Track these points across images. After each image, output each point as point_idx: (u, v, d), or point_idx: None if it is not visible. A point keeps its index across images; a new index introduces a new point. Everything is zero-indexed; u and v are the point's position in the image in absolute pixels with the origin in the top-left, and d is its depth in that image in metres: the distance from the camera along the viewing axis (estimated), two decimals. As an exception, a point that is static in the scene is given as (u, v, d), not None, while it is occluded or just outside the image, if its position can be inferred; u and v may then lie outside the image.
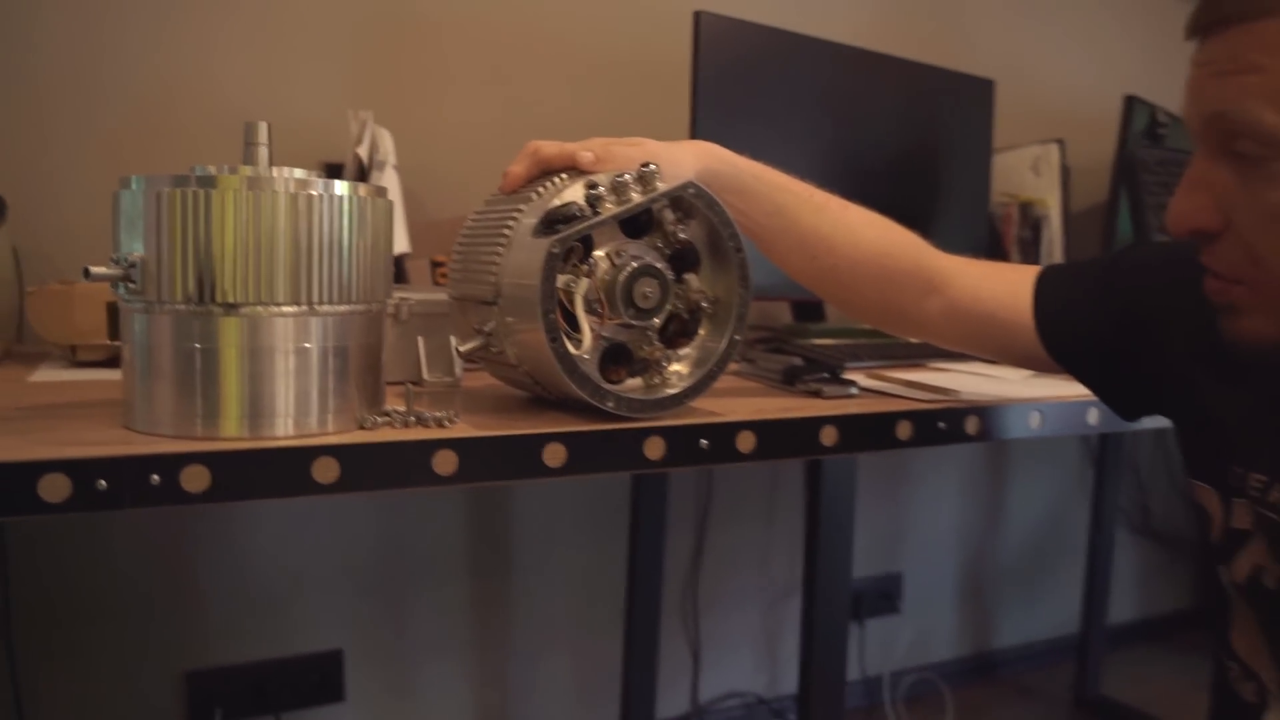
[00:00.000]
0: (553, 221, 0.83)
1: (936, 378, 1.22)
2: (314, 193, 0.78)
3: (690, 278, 0.91)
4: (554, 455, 0.82)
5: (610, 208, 0.85)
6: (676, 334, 0.93)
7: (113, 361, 1.16)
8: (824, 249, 0.98)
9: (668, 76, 1.65)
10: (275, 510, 1.56)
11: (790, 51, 1.51)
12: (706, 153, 0.96)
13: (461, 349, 0.88)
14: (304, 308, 0.78)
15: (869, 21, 1.99)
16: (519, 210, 0.89)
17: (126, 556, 1.48)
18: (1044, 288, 0.94)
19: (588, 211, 0.85)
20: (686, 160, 0.94)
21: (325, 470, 0.75)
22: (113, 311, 1.12)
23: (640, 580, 1.74)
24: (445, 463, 0.78)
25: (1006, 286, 0.96)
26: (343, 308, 0.80)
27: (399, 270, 1.37)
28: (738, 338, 0.92)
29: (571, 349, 0.84)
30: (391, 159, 1.36)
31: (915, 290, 0.98)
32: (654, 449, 0.86)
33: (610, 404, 0.86)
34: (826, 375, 1.09)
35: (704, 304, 0.92)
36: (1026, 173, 1.95)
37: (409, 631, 1.68)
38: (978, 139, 1.75)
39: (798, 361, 1.14)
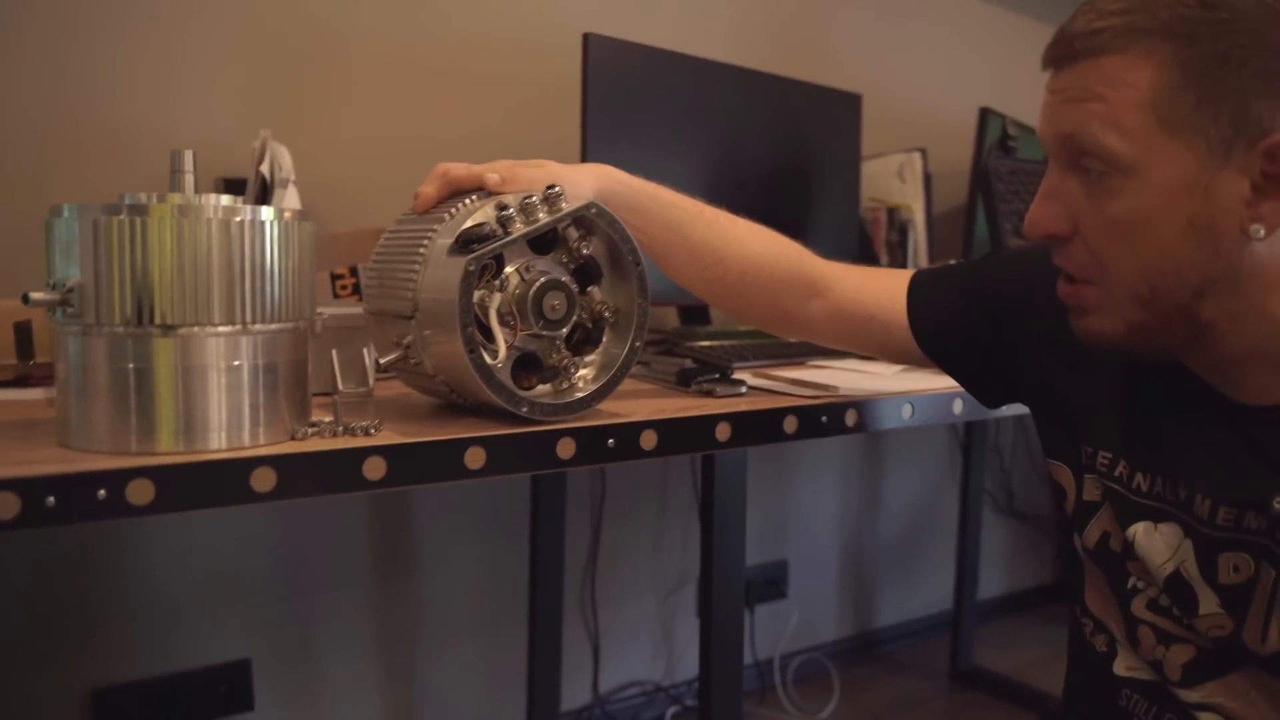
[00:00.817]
0: (467, 241, 0.90)
1: (817, 375, 1.32)
2: (242, 218, 0.83)
3: (593, 290, 0.99)
4: (475, 458, 0.89)
5: (520, 227, 0.92)
6: (582, 342, 1.00)
7: (20, 381, 1.18)
8: (714, 260, 1.07)
9: (559, 95, 1.73)
10: (173, 522, 1.57)
11: (672, 70, 1.60)
12: (604, 175, 1.04)
13: (382, 361, 0.94)
14: (236, 327, 0.83)
15: (745, 41, 2.10)
16: (433, 230, 0.95)
17: (23, 574, 1.48)
18: (916, 290, 1.04)
19: (499, 231, 0.91)
20: (586, 182, 1.02)
21: (263, 480, 0.80)
22: (21, 332, 1.14)
23: (541, 575, 1.81)
24: (375, 468, 0.84)
25: (883, 290, 1.06)
26: (272, 326, 0.85)
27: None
28: (638, 344, 1.00)
29: (488, 359, 0.90)
30: (292, 176, 1.40)
31: (799, 295, 1.07)
32: (565, 449, 0.94)
33: (524, 409, 0.93)
34: (718, 376, 1.18)
35: (606, 314, 1.00)
36: (893, 179, 2.08)
37: (315, 636, 1.71)
38: (847, 149, 1.87)
39: (690, 364, 1.23)
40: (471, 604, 1.86)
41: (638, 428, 0.98)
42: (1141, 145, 0.70)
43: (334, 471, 0.83)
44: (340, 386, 1.11)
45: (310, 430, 0.88)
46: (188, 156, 0.86)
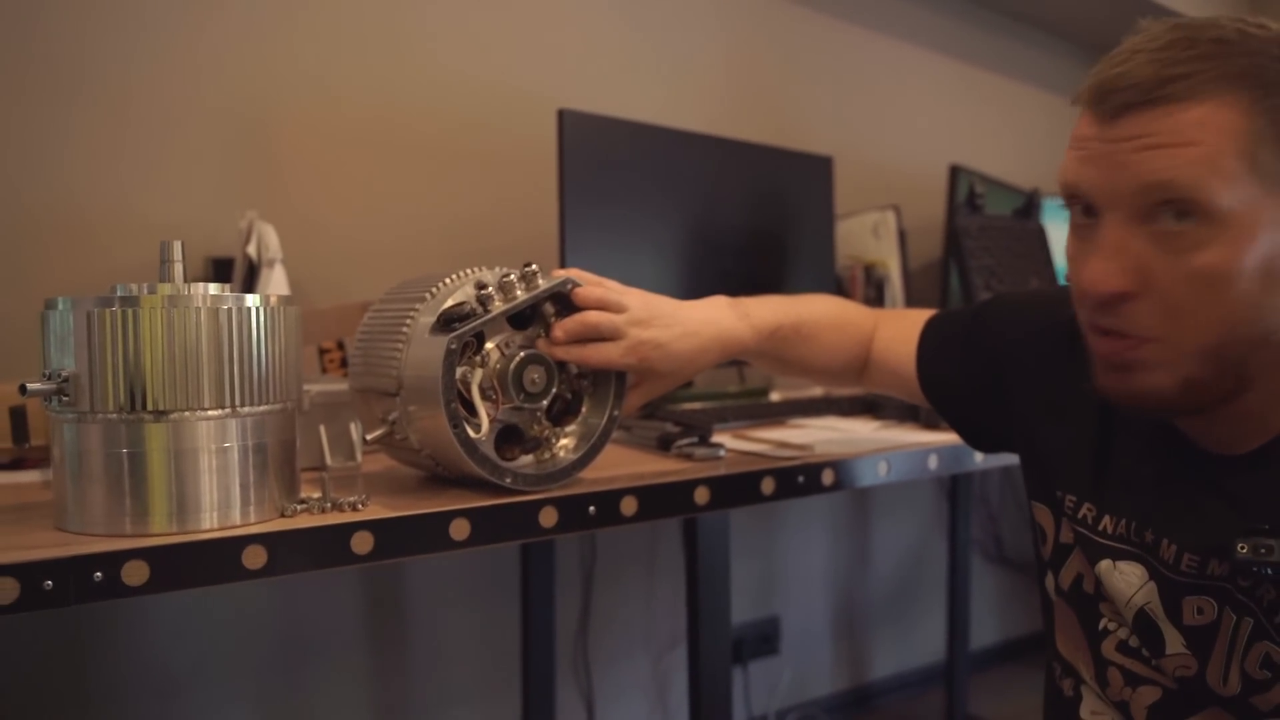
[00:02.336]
0: (449, 320, 0.94)
1: (795, 434, 1.35)
2: (229, 306, 0.86)
3: (571, 365, 1.02)
4: (460, 529, 0.91)
5: (499, 305, 0.96)
6: (562, 413, 1.04)
7: (16, 464, 1.21)
8: (801, 369, 1.15)
9: (537, 167, 1.78)
10: (168, 598, 1.59)
11: (647, 142, 1.65)
12: (724, 347, 1.07)
13: (369, 437, 0.97)
14: (226, 410, 0.86)
15: (717, 109, 2.16)
16: (415, 309, 0.99)
17: (21, 655, 1.49)
18: (925, 338, 1.08)
19: (479, 309, 0.95)
20: (703, 358, 1.06)
21: (254, 557, 0.83)
22: (16, 416, 1.17)
23: (534, 639, 1.82)
24: (363, 543, 0.87)
25: (902, 340, 1.10)
26: (261, 408, 0.88)
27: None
28: (616, 413, 1.03)
29: (471, 433, 0.94)
30: (279, 255, 1.44)
31: (859, 365, 1.14)
32: (548, 518, 0.97)
33: (508, 480, 0.96)
34: (696, 439, 1.21)
35: (585, 384, 1.04)
36: (868, 237, 2.13)
37: (313, 707, 1.72)
38: (821, 209, 1.92)
39: (671, 428, 1.26)
40: (466, 669, 1.88)
41: (618, 495, 1.01)
42: (1239, 192, 0.68)
43: (323, 547, 0.86)
44: (329, 461, 1.14)
45: (299, 507, 0.91)
46: (176, 247, 0.89)
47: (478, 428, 0.95)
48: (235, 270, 1.42)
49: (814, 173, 1.90)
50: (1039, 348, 0.90)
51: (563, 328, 0.99)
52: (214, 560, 0.82)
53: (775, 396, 1.79)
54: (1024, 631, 2.91)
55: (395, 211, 1.77)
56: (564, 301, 1.01)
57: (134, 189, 1.54)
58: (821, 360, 1.13)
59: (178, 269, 0.89)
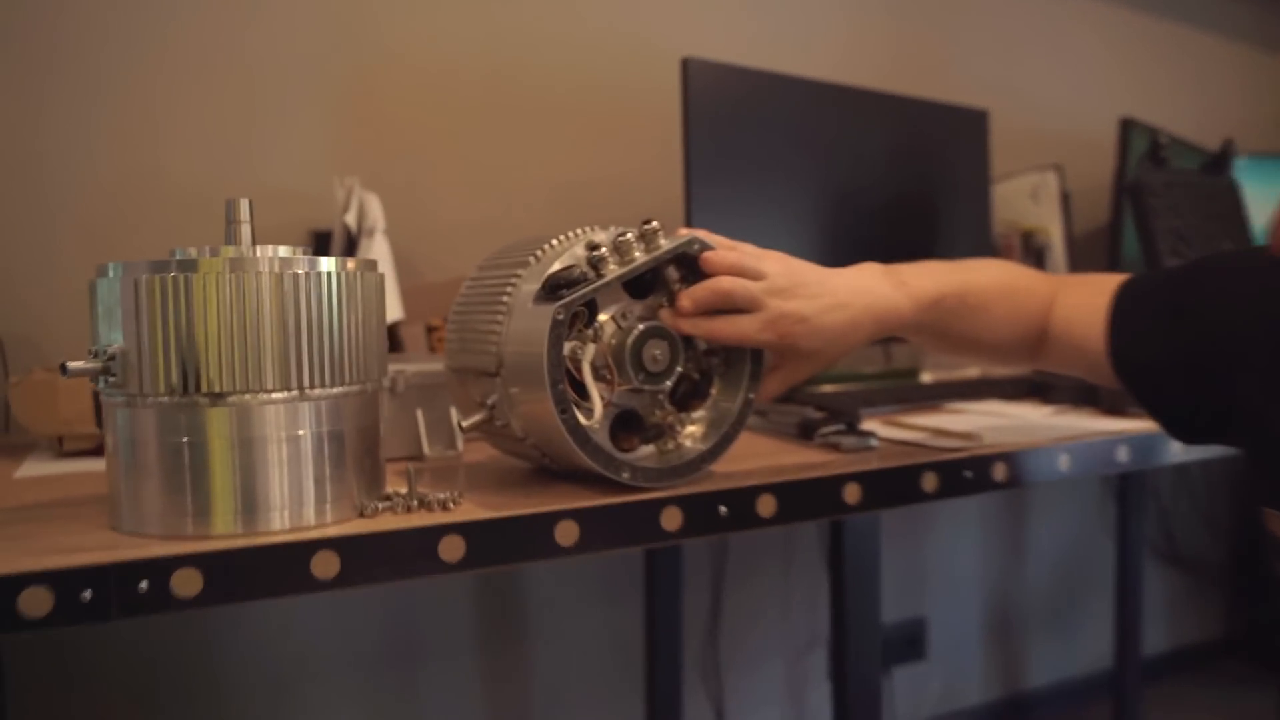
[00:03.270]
0: (555, 286, 0.79)
1: (956, 421, 1.17)
2: (299, 271, 0.74)
3: (700, 340, 0.87)
4: (566, 533, 0.77)
5: (614, 269, 0.81)
6: (688, 396, 0.89)
7: (100, 450, 1.12)
8: (967, 346, 0.99)
9: (658, 123, 1.62)
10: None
11: (779, 93, 1.48)
12: (879, 321, 0.91)
13: (464, 423, 0.84)
14: (294, 393, 0.73)
15: (859, 59, 1.97)
16: (517, 275, 0.85)
17: (116, 656, 1.42)
18: (1119, 305, 0.89)
19: (591, 274, 0.81)
20: (854, 334, 0.90)
21: (325, 565, 0.70)
22: (98, 400, 1.07)
23: (659, 640, 1.69)
24: (452, 549, 0.74)
25: (1089, 310, 0.92)
26: (335, 390, 0.76)
27: (393, 339, 1.33)
28: (752, 396, 0.88)
29: (582, 419, 0.79)
30: (381, 224, 1.33)
31: (1034, 339, 0.98)
32: (671, 520, 0.82)
33: (625, 475, 0.81)
34: (843, 426, 1.04)
35: (715, 363, 0.88)
36: (1025, 201, 1.92)
37: (423, 710, 1.62)
38: (974, 170, 1.72)
39: (813, 413, 1.10)
40: (585, 672, 1.75)
41: (753, 493, 0.86)
42: None
43: (405, 554, 0.73)
44: (426, 450, 1.02)
45: (382, 505, 0.78)
46: (244, 205, 0.77)
47: (590, 413, 0.81)
48: (333, 242, 1.31)
49: (967, 129, 1.70)
50: (1274, 319, 0.70)
51: (690, 296, 0.84)
52: (277, 569, 0.70)
53: (926, 378, 1.60)
54: (1197, 639, 2.64)
55: (506, 178, 1.64)
56: (691, 266, 0.85)
57: (228, 158, 1.45)
58: (991, 335, 0.95)
59: (245, 230, 0.77)
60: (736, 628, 1.90)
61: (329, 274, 0.75)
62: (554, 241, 0.86)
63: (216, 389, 0.71)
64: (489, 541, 0.75)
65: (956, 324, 0.94)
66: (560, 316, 0.77)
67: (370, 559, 0.72)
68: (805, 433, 1.06)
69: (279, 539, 0.71)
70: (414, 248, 1.52)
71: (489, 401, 0.84)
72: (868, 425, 1.07)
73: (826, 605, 1.90)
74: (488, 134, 1.63)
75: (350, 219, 1.28)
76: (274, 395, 0.73)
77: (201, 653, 1.47)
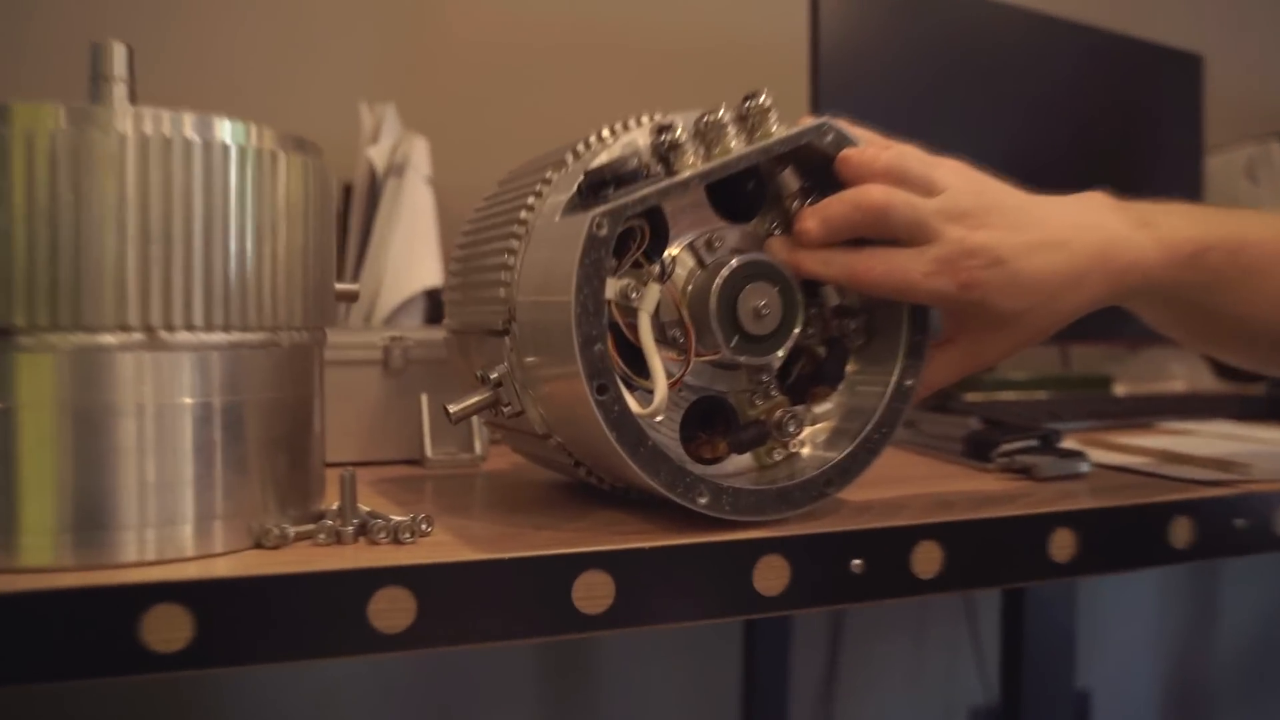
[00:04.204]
0: (598, 184, 0.49)
1: (1187, 444, 0.82)
2: (187, 135, 0.45)
3: (829, 289, 0.55)
4: (592, 593, 0.46)
5: (693, 162, 0.50)
6: (808, 379, 0.57)
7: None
8: (1234, 327, 0.65)
9: (765, 62, 1.30)
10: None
11: (932, 14, 1.14)
12: (1112, 273, 0.57)
13: (451, 410, 0.53)
14: (160, 334, 0.44)
15: None
16: (544, 182, 0.55)
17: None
18: None
19: (656, 169, 0.50)
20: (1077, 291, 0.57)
21: (166, 628, 0.41)
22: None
23: (759, 704, 1.37)
24: (391, 611, 0.43)
25: None
26: (230, 336, 0.46)
27: (434, 308, 1.04)
28: (910, 383, 0.55)
29: (635, 406, 0.48)
30: (423, 169, 1.04)
31: None
32: (772, 576, 0.50)
33: (703, 499, 0.50)
34: (1036, 443, 0.71)
35: (852, 328, 0.56)
36: (1239, 180, 1.54)
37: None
38: (1184, 129, 1.35)
39: (976, 424, 0.76)
40: (667, 736, 1.44)
41: (907, 538, 0.53)
42: None
43: (309, 617, 0.43)
44: (429, 452, 0.72)
45: (297, 530, 0.48)
46: (118, 54, 0.48)
47: (648, 398, 0.50)
48: (354, 188, 1.02)
49: (1174, 75, 1.34)
50: None
51: (820, 215, 0.52)
52: (82, 635, 0.40)
53: (1119, 390, 1.24)
54: None
55: (581, 129, 1.34)
56: (821, 171, 0.54)
57: (252, 94, 1.18)
58: (1275, 313, 0.61)
59: (118, 92, 0.48)
60: (856, 693, 1.56)
61: (228, 148, 0.46)
62: (605, 132, 0.56)
63: (26, 321, 0.42)
64: (455, 602, 0.44)
65: (1224, 292, 0.60)
66: (602, 231, 0.47)
67: (249, 622, 0.42)
68: (976, 450, 0.73)
69: (124, 577, 0.42)
70: (466, 209, 1.23)
71: (493, 375, 0.53)
72: (1070, 444, 0.73)
73: (967, 674, 1.55)
74: (557, 81, 1.34)
75: (377, 153, 1.00)
76: (133, 335, 0.44)
77: (197, 699, 1.20)
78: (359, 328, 0.92)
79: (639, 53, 1.38)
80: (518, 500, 0.60)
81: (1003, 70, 1.19)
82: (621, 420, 0.47)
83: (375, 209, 0.98)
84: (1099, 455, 0.75)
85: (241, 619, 0.42)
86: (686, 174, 0.49)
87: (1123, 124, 1.29)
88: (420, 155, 1.05)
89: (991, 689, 1.57)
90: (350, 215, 1.02)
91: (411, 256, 1.01)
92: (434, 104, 1.23)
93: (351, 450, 0.72)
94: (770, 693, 1.38)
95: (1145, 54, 1.31)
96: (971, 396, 1.06)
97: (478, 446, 0.73)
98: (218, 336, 0.46)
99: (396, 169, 0.99)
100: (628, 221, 0.48)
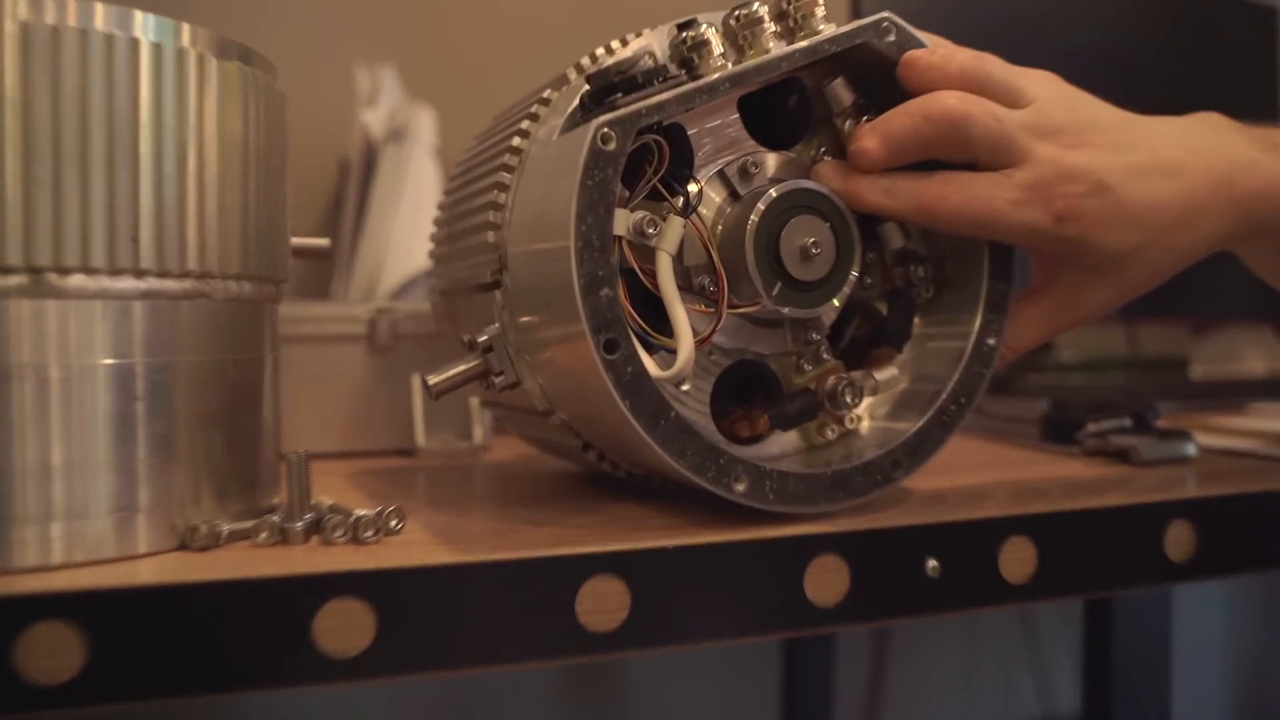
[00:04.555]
0: (603, 92, 0.39)
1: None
2: (86, 26, 0.35)
3: (890, 227, 0.45)
4: (602, 605, 0.36)
5: (721, 64, 0.40)
6: (866, 340, 0.47)
7: None
8: None
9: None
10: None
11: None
12: (1239, 204, 0.46)
13: (430, 381, 0.44)
14: (50, 278, 0.35)
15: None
16: (541, 103, 0.45)
17: None
18: None
19: (675, 72, 0.40)
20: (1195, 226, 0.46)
21: (49, 653, 0.31)
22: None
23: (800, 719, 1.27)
24: (339, 632, 0.34)
25: None
26: (142, 283, 0.37)
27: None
28: (992, 342, 0.45)
29: (654, 368, 0.38)
30: (427, 138, 0.95)
31: None
32: (825, 582, 0.40)
33: (740, 486, 0.40)
34: (1128, 422, 0.60)
35: (920, 275, 0.46)
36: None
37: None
38: (1256, 89, 1.24)
39: (1049, 406, 0.66)
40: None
41: (992, 533, 0.43)
42: None
43: (240, 638, 0.33)
44: (421, 440, 0.62)
45: (232, 528, 0.39)
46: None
47: (669, 359, 0.40)
48: (352, 159, 0.93)
49: (1247, 30, 1.23)
50: None
51: (881, 132, 0.42)
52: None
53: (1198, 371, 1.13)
54: None
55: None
56: (878, 89, 0.44)
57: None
58: None
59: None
60: (903, 712, 1.45)
61: (137, 43, 0.36)
62: (615, 44, 0.46)
63: None
64: (424, 618, 0.34)
65: None
66: (609, 145, 0.37)
67: (155, 643, 0.32)
68: (1058, 431, 0.62)
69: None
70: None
71: (480, 339, 0.43)
72: (1170, 424, 0.63)
73: (1024, 692, 1.44)
74: (588, 47, 1.24)
75: (373, 118, 0.91)
76: (14, 278, 0.35)
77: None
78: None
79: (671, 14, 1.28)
80: (518, 493, 0.51)
81: (1064, 22, 1.08)
82: (636, 385, 0.37)
83: (372, 179, 0.89)
84: (1208, 440, 0.64)
85: (147, 641, 0.32)
86: (714, 76, 0.39)
87: (1191, 81, 1.18)
88: (425, 126, 0.96)
89: (1051, 703, 1.45)
90: (347, 188, 0.92)
91: (416, 232, 0.92)
92: (441, 71, 1.14)
93: (333, 439, 0.63)
94: (811, 707, 1.28)
95: (1216, 7, 1.20)
96: (1032, 376, 0.95)
97: (478, 434, 0.63)
98: (125, 283, 0.36)
99: (395, 135, 0.90)
100: (641, 137, 0.38)
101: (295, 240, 0.48)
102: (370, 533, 0.39)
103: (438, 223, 0.54)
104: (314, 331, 0.62)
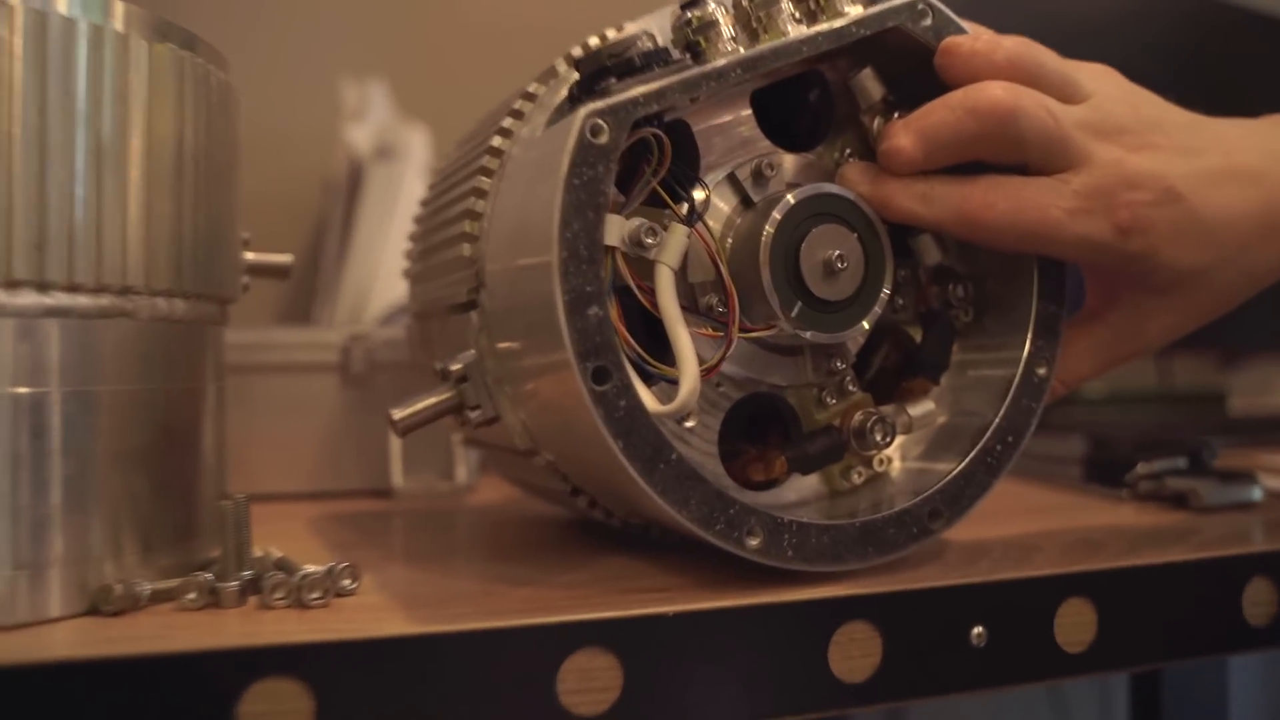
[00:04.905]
0: (595, 77, 0.33)
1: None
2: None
3: (926, 240, 0.39)
4: (589, 683, 0.30)
5: (729, 47, 0.35)
6: (898, 370, 0.41)
7: None
8: None
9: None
10: None
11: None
12: None
13: (395, 415, 0.38)
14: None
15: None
16: (526, 98, 0.40)
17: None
18: None
19: (679, 57, 0.34)
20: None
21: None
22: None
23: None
24: (266, 719, 0.28)
25: None
26: (46, 299, 0.31)
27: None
28: (1043, 372, 0.39)
29: (651, 402, 0.33)
30: (418, 157, 0.89)
31: None
32: (854, 653, 0.34)
33: (754, 540, 0.34)
34: (1184, 464, 0.54)
35: (959, 296, 0.40)
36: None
37: None
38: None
39: (1086, 445, 0.60)
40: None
41: (1048, 594, 0.37)
42: None
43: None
44: (398, 479, 0.57)
45: (151, 589, 0.33)
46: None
47: (670, 392, 0.34)
48: (336, 178, 0.88)
49: (1275, 46, 1.18)
50: None
51: (917, 128, 0.36)
52: None
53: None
54: None
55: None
56: (912, 83, 0.38)
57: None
58: None
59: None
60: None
61: (44, 17, 0.31)
62: (611, 31, 0.40)
63: None
64: (373, 701, 0.28)
65: None
66: (600, 137, 0.31)
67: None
68: (1104, 472, 0.56)
69: None
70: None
71: (453, 368, 0.38)
72: (1232, 464, 0.57)
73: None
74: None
75: (359, 135, 0.86)
76: None
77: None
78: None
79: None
80: (499, 544, 0.45)
81: (1089, 36, 1.03)
82: (631, 422, 0.32)
83: (358, 198, 0.84)
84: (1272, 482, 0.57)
85: (28, 732, 0.26)
86: (724, 61, 0.34)
87: (1218, 98, 1.12)
88: (418, 144, 0.91)
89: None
90: (331, 208, 0.87)
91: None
92: (436, 88, 1.09)
93: (301, 479, 0.57)
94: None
95: (1243, 22, 1.15)
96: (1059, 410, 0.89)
97: (461, 473, 0.57)
98: (26, 298, 0.31)
99: (384, 153, 0.85)
100: (638, 130, 0.33)
101: (251, 256, 0.43)
102: (316, 594, 0.33)
103: (413, 237, 0.48)
104: (281, 360, 0.57)
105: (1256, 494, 0.51)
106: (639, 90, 0.32)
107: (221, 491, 0.39)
